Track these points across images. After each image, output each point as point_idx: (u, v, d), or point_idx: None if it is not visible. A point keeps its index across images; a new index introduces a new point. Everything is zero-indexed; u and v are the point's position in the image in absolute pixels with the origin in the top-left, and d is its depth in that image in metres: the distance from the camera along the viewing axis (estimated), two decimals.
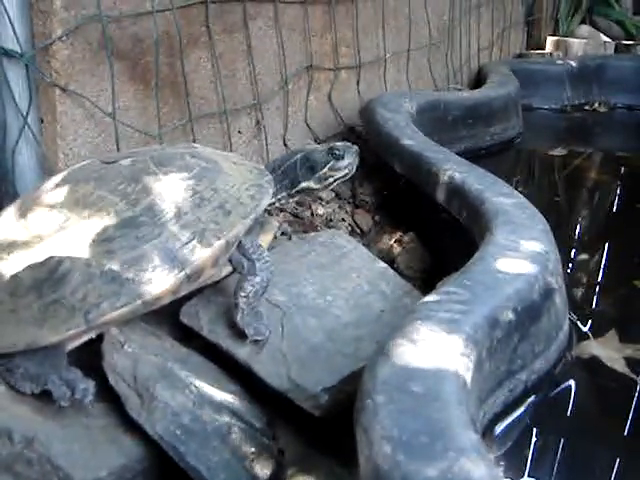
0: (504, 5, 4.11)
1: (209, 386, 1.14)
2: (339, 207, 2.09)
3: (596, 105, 3.65)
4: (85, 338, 1.15)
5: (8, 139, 1.45)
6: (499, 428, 1.19)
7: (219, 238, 1.20)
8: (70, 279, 1.10)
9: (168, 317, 1.30)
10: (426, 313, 1.09)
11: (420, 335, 1.02)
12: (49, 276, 1.10)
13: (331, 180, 1.43)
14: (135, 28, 1.62)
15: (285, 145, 2.24)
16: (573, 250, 2.00)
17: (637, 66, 3.74)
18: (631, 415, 1.28)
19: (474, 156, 2.45)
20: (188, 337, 1.28)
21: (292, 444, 1.17)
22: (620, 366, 1.40)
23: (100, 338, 1.16)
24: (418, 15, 3.05)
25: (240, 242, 1.26)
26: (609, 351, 1.44)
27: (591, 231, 2.23)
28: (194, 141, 1.82)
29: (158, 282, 1.13)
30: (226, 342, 1.23)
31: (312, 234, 1.61)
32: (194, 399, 1.10)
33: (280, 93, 2.20)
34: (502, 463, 1.15)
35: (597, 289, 1.80)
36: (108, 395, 1.11)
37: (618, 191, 2.57)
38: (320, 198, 2.06)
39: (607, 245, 2.07)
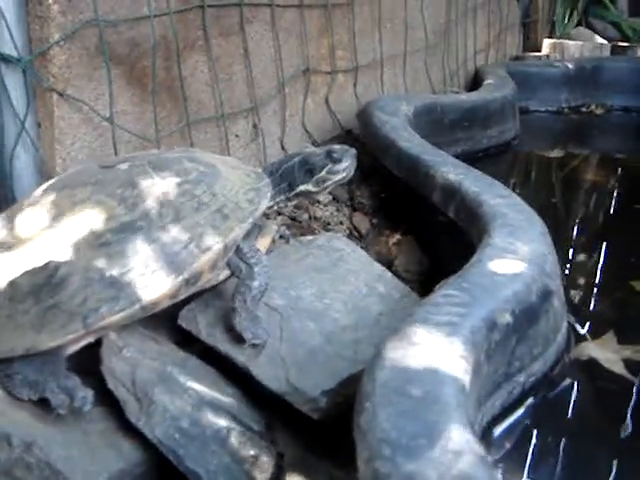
0: (500, 7, 4.12)
1: (208, 390, 1.14)
2: (337, 210, 2.09)
3: (593, 107, 3.66)
4: (84, 343, 1.15)
5: (6, 144, 1.45)
6: (498, 430, 1.19)
7: (217, 242, 1.20)
8: (68, 284, 1.10)
9: (166, 321, 1.30)
10: (424, 316, 1.09)
11: (418, 338, 1.02)
12: (47, 281, 1.10)
13: (329, 183, 1.43)
14: (132, 33, 1.62)
15: (283, 148, 2.24)
16: (571, 252, 2.00)
17: (633, 68, 3.74)
18: (629, 416, 1.28)
19: (471, 159, 2.46)
20: (186, 341, 1.28)
21: (291, 447, 1.17)
22: (618, 368, 1.41)
23: (99, 342, 1.16)
24: (414, 18, 3.05)
25: (238, 246, 1.26)
26: (607, 353, 1.44)
27: (588, 233, 2.23)
28: (191, 145, 1.83)
29: (156, 286, 1.13)
30: (225, 346, 1.23)
31: (310, 237, 1.61)
32: (193, 403, 1.10)
33: (277, 97, 2.20)
34: (501, 465, 1.15)
35: (595, 291, 1.80)
36: (107, 399, 1.11)
37: (615, 193, 2.57)
38: (318, 201, 2.06)
39: (604, 246, 2.07)
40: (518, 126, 3.07)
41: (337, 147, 1.43)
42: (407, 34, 2.99)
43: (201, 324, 1.27)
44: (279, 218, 1.90)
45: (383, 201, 2.18)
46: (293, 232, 1.81)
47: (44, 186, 1.26)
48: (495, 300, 1.16)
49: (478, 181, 1.71)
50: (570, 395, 1.33)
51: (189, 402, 1.10)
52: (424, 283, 1.72)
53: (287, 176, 1.41)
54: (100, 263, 1.12)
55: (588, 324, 1.55)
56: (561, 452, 1.21)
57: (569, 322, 1.45)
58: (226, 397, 1.16)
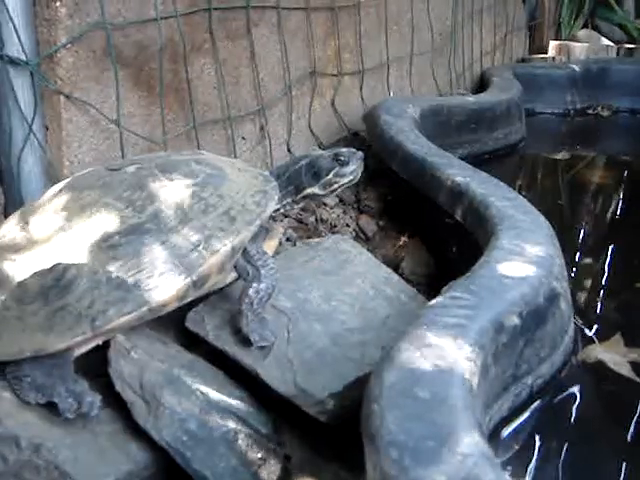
0: (506, 10, 4.11)
1: (215, 392, 1.14)
2: (343, 212, 2.09)
3: (599, 109, 3.65)
4: (92, 345, 1.15)
5: (13, 146, 1.45)
6: (505, 432, 1.19)
7: (225, 244, 1.20)
8: (76, 286, 1.10)
9: (174, 323, 1.30)
10: (432, 318, 1.09)
11: (426, 340, 1.02)
12: (55, 283, 1.10)
13: (336, 186, 1.43)
14: (139, 35, 1.62)
15: (289, 151, 2.24)
16: (577, 254, 2.00)
17: None
18: (636, 419, 1.27)
19: (477, 161, 2.47)
20: (194, 343, 1.28)
21: (298, 450, 1.17)
22: (626, 370, 1.40)
23: (106, 344, 1.16)
24: (421, 20, 3.05)
25: (245, 249, 1.26)
26: (614, 355, 1.44)
27: (595, 235, 2.22)
28: (198, 147, 1.83)
29: (164, 288, 1.14)
30: (232, 348, 1.23)
31: (317, 240, 1.61)
32: (200, 405, 1.10)
33: (284, 99, 2.21)
34: (509, 468, 1.15)
35: (601, 293, 1.80)
36: (114, 401, 1.11)
37: (621, 195, 2.57)
38: (324, 204, 2.06)
39: (611, 249, 2.07)
40: (524, 128, 3.07)
41: (344, 150, 1.43)
42: (413, 36, 2.99)
43: (208, 326, 1.27)
44: (285, 220, 1.90)
45: (389, 203, 2.18)
46: (300, 234, 1.82)
47: (52, 189, 1.26)
48: (502, 302, 1.16)
49: (485, 183, 1.71)
50: (577, 398, 1.33)
51: (197, 404, 1.10)
52: (430, 285, 1.72)
53: (294, 179, 1.41)
54: (108, 265, 1.12)
55: (595, 326, 1.55)
56: (568, 455, 1.21)
57: (576, 324, 1.45)
58: (233, 399, 1.16)
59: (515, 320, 1.15)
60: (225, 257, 1.21)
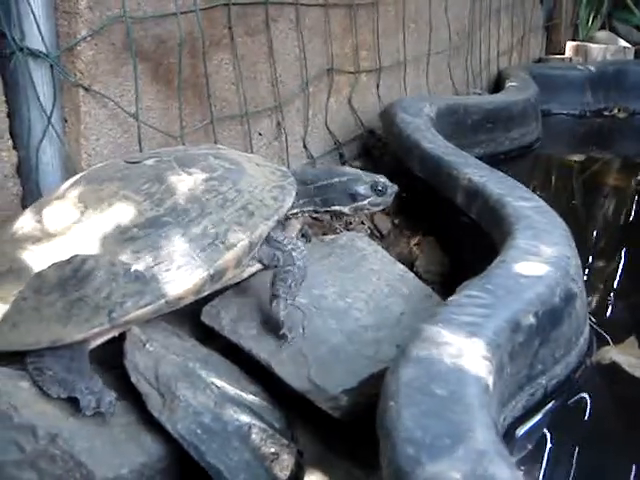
0: (524, 10, 4.11)
1: (230, 386, 1.14)
2: None
3: (615, 111, 3.64)
4: (108, 336, 1.15)
5: (32, 138, 1.45)
6: (519, 432, 1.19)
7: (242, 239, 1.20)
8: (94, 278, 1.11)
9: (189, 317, 1.30)
10: (448, 316, 1.09)
11: (442, 338, 1.02)
12: (73, 274, 1.11)
13: (365, 211, 1.44)
14: (158, 29, 1.62)
15: (305, 147, 2.24)
16: (592, 255, 1.99)
17: None
18: None
19: (493, 160, 2.46)
20: (209, 337, 1.29)
21: (311, 445, 1.17)
22: None
23: (122, 336, 1.16)
24: (438, 19, 3.05)
25: (271, 237, 1.27)
26: (629, 357, 1.44)
27: (609, 236, 2.22)
28: (215, 142, 1.83)
29: (182, 282, 1.14)
30: (248, 343, 1.23)
31: (332, 237, 1.61)
32: (215, 399, 1.11)
33: (301, 96, 2.21)
34: (523, 467, 1.15)
35: (616, 294, 1.80)
36: (129, 393, 1.11)
37: (636, 197, 2.56)
38: None
39: (625, 250, 2.06)
40: (540, 129, 3.07)
41: (382, 180, 1.42)
42: (431, 35, 2.99)
43: (224, 320, 1.27)
44: (301, 217, 1.90)
45: (405, 201, 2.18)
46: (315, 231, 1.82)
47: (71, 181, 1.27)
48: (519, 302, 1.16)
49: (501, 183, 1.71)
50: (592, 399, 1.32)
51: (211, 398, 1.11)
52: (445, 284, 1.72)
53: (324, 192, 1.40)
54: (126, 258, 1.13)
55: (610, 328, 1.54)
56: (582, 455, 1.20)
57: (591, 325, 1.45)
58: (248, 394, 1.16)
59: (531, 320, 1.15)
60: (242, 251, 1.21)
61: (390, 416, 0.88)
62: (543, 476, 1.15)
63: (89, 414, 1.05)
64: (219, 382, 1.14)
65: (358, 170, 1.46)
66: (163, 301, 1.13)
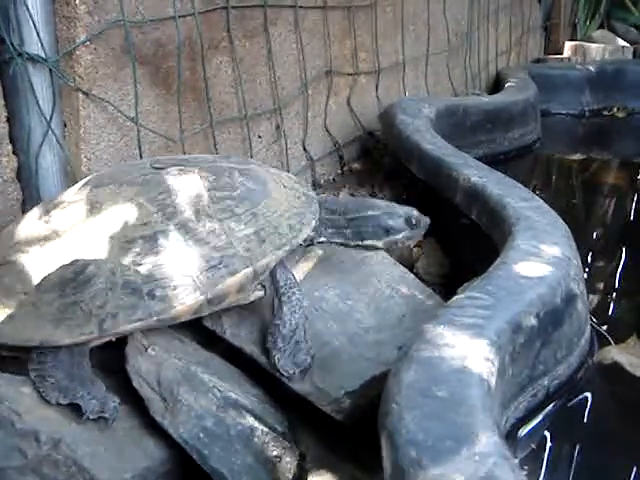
0: (522, 10, 4.11)
1: (232, 390, 1.14)
2: None
3: (614, 110, 3.64)
4: (103, 341, 1.15)
5: (32, 143, 1.45)
6: (522, 433, 1.19)
7: (247, 266, 1.18)
8: (93, 284, 1.10)
9: (191, 320, 1.30)
10: (449, 318, 1.09)
11: (444, 340, 1.02)
12: (74, 277, 1.11)
13: (399, 244, 1.41)
14: (157, 33, 1.62)
15: (305, 150, 2.24)
16: (592, 255, 1.99)
17: None
18: None
19: (493, 161, 2.47)
20: (210, 341, 1.28)
21: (313, 448, 1.17)
22: None
23: (123, 341, 1.16)
24: (437, 20, 3.05)
25: (275, 272, 1.24)
26: (630, 357, 1.44)
27: (609, 236, 2.22)
28: (215, 145, 1.83)
29: (177, 302, 1.13)
30: (249, 346, 1.23)
31: None
32: (217, 402, 1.11)
33: (300, 98, 2.21)
34: (525, 467, 1.15)
35: (617, 294, 1.80)
36: (132, 397, 1.11)
37: (636, 196, 2.56)
38: None
39: (625, 250, 2.06)
40: (539, 129, 3.07)
41: (415, 213, 1.39)
42: (429, 36, 2.99)
43: (225, 324, 1.27)
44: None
45: (405, 203, 2.18)
46: None
47: (92, 176, 1.27)
48: (520, 303, 1.16)
49: (501, 184, 1.71)
50: (594, 399, 1.32)
51: (213, 401, 1.11)
52: (446, 285, 1.72)
53: (356, 225, 1.36)
54: (126, 268, 1.12)
55: (611, 328, 1.54)
56: (584, 455, 1.21)
57: (592, 326, 1.45)
58: (250, 397, 1.16)
59: (532, 321, 1.15)
60: (245, 279, 1.19)
61: (392, 418, 0.88)
62: (546, 477, 1.14)
63: (92, 417, 1.05)
64: (221, 386, 1.14)
65: (391, 202, 1.43)
66: (155, 319, 1.12)
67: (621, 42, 4.84)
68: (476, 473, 0.77)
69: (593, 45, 4.48)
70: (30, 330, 1.09)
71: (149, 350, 1.15)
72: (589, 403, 1.31)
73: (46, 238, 1.15)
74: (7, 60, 1.40)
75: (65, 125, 1.50)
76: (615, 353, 1.45)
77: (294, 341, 1.21)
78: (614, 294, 1.79)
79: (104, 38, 1.49)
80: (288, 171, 2.11)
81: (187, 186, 1.21)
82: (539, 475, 1.15)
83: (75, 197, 1.21)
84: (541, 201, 1.61)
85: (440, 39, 3.13)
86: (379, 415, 0.93)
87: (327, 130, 2.38)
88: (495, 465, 0.78)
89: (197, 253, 1.16)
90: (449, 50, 3.22)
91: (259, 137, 2.03)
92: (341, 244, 1.39)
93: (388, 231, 1.36)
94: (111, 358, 1.17)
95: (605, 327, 1.54)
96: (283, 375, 1.19)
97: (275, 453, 1.11)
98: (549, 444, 1.21)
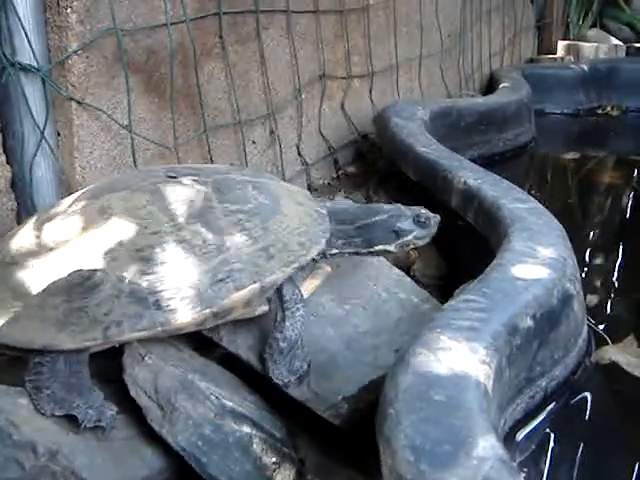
0: (514, 10, 4.12)
1: (229, 396, 1.14)
2: None
3: (608, 109, 3.65)
4: (105, 347, 1.14)
5: (26, 153, 1.45)
6: (520, 435, 1.19)
7: (254, 282, 1.17)
8: (100, 290, 1.10)
9: None
10: (446, 321, 1.09)
11: (440, 343, 1.02)
12: (81, 282, 1.10)
13: (411, 246, 1.39)
14: (149, 41, 1.62)
15: (299, 154, 2.25)
16: (588, 255, 2.00)
17: None
18: None
19: (488, 162, 2.47)
20: (206, 347, 1.28)
21: (312, 453, 1.17)
22: None
23: (120, 349, 1.16)
24: (429, 22, 3.06)
25: (281, 287, 1.23)
26: (628, 357, 1.44)
27: (605, 235, 2.22)
28: (209, 152, 1.83)
29: (182, 314, 1.12)
30: (246, 353, 1.23)
31: None
32: (215, 410, 1.10)
33: (293, 103, 2.21)
34: (524, 470, 1.15)
35: (613, 294, 1.80)
36: (129, 406, 1.11)
37: (632, 194, 2.56)
38: None
39: (622, 249, 2.06)
40: (534, 129, 3.07)
41: (423, 212, 1.38)
42: (422, 38, 2.99)
43: (222, 331, 1.27)
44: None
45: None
46: None
47: (105, 181, 1.27)
48: (516, 305, 1.16)
49: (496, 185, 1.71)
50: (592, 400, 1.32)
51: (211, 409, 1.10)
52: (442, 288, 1.72)
53: (365, 232, 1.35)
54: (134, 277, 1.11)
55: (608, 328, 1.54)
56: (583, 457, 1.20)
57: (589, 326, 1.45)
58: (247, 403, 1.16)
59: (529, 322, 1.15)
60: (252, 294, 1.18)
61: (390, 423, 0.88)
62: (545, 479, 1.14)
63: (89, 426, 1.05)
64: (218, 393, 1.13)
65: (398, 204, 1.42)
66: (160, 329, 1.12)
67: (614, 41, 4.85)
68: (474, 477, 0.77)
69: (586, 44, 4.48)
70: (34, 332, 1.08)
71: (146, 358, 1.14)
72: (587, 403, 1.31)
73: (55, 241, 1.14)
74: None
75: (59, 134, 1.50)
76: (613, 353, 1.45)
77: (291, 354, 1.21)
78: (611, 293, 1.79)
79: (96, 46, 1.50)
80: (283, 176, 2.11)
81: (199, 197, 1.20)
82: (538, 477, 1.15)
83: (86, 202, 1.20)
84: (536, 202, 1.61)
85: (433, 41, 3.13)
86: (376, 420, 0.93)
87: (321, 134, 2.38)
88: (493, 469, 0.78)
89: (205, 265, 1.15)
90: (442, 52, 3.22)
91: (253, 142, 2.03)
92: (354, 254, 1.38)
93: (398, 233, 1.35)
94: (108, 367, 1.16)
95: (602, 327, 1.54)
96: (279, 384, 1.19)
97: (274, 459, 1.11)
98: (548, 446, 1.21)
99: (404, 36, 2.88)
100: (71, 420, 1.06)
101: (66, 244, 1.14)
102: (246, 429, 1.11)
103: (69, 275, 1.10)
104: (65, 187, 1.49)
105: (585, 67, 3.73)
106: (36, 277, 1.11)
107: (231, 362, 1.25)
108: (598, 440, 1.26)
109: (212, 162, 1.84)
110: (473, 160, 2.04)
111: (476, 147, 2.67)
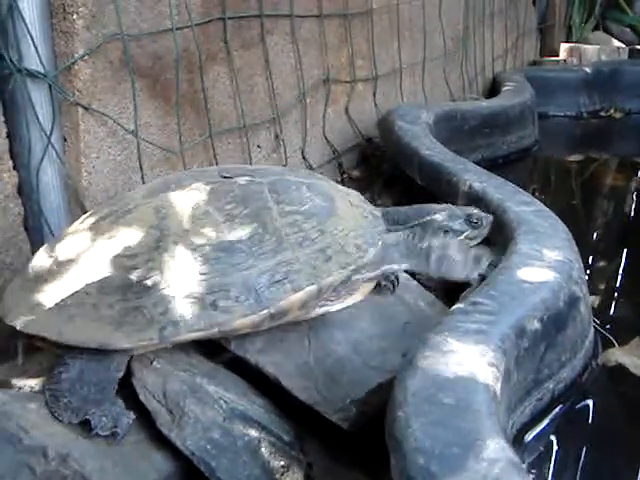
0: (517, 13, 4.12)
1: (238, 400, 1.14)
2: None
3: (611, 111, 3.65)
4: (160, 347, 1.14)
5: (32, 158, 1.45)
6: (528, 437, 1.19)
7: (312, 284, 1.17)
8: (156, 290, 1.10)
9: None
10: (454, 324, 1.09)
11: (448, 346, 1.02)
12: (138, 281, 1.10)
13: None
14: (155, 46, 1.63)
15: (304, 158, 2.25)
16: (593, 257, 2.00)
17: None
18: None
19: (491, 165, 2.47)
20: (214, 351, 1.28)
21: (320, 457, 1.17)
22: None
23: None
24: (433, 26, 3.06)
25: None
26: (634, 359, 1.44)
27: (610, 237, 2.22)
28: (214, 156, 1.84)
29: (240, 315, 1.12)
30: (254, 356, 1.23)
31: None
32: (224, 414, 1.11)
33: (298, 107, 2.21)
34: (532, 472, 1.15)
35: (619, 296, 1.80)
36: (138, 411, 1.11)
37: (635, 196, 2.56)
38: None
39: (627, 251, 2.06)
40: (537, 131, 3.08)
41: (475, 212, 1.40)
42: (425, 42, 3.00)
43: None
44: None
45: None
46: None
47: (158, 180, 1.27)
48: (523, 307, 1.16)
49: (501, 188, 1.72)
50: (599, 402, 1.32)
51: (220, 413, 1.11)
52: (448, 291, 1.72)
53: (417, 233, 1.36)
54: (191, 277, 1.11)
55: (614, 330, 1.54)
56: (591, 458, 1.20)
57: (596, 328, 1.45)
58: (256, 407, 1.16)
59: (536, 325, 1.15)
60: (309, 296, 1.18)
61: (399, 427, 0.88)
62: None
63: (103, 434, 1.05)
64: (227, 397, 1.14)
65: (449, 204, 1.42)
66: (217, 330, 1.12)
67: (616, 43, 4.85)
68: (484, 479, 0.77)
69: (589, 47, 4.49)
70: (89, 331, 1.08)
71: (154, 363, 1.15)
72: (594, 405, 1.31)
73: (110, 239, 1.14)
74: (6, 76, 1.40)
75: (65, 140, 1.51)
76: (619, 355, 1.45)
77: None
78: (617, 295, 1.79)
79: (102, 52, 1.50)
80: None
81: (254, 198, 1.20)
82: (547, 478, 1.15)
83: (141, 200, 1.19)
84: (542, 204, 1.61)
85: (436, 44, 3.14)
86: (385, 424, 0.93)
87: (326, 138, 2.38)
88: (503, 471, 0.78)
89: (263, 266, 1.14)
90: (445, 55, 3.23)
91: (258, 147, 2.04)
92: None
93: (450, 234, 1.37)
94: None
95: (608, 329, 1.54)
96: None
97: (282, 463, 1.11)
98: (556, 447, 1.21)
99: (407, 40, 2.88)
100: (82, 424, 1.06)
101: (121, 243, 1.13)
102: (255, 433, 1.11)
103: (125, 274, 1.10)
104: (71, 192, 1.49)
105: (588, 70, 3.73)
106: (91, 276, 1.11)
107: (239, 366, 1.25)
108: (605, 442, 1.26)
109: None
110: (477, 163, 2.05)
111: (480, 150, 2.68)
